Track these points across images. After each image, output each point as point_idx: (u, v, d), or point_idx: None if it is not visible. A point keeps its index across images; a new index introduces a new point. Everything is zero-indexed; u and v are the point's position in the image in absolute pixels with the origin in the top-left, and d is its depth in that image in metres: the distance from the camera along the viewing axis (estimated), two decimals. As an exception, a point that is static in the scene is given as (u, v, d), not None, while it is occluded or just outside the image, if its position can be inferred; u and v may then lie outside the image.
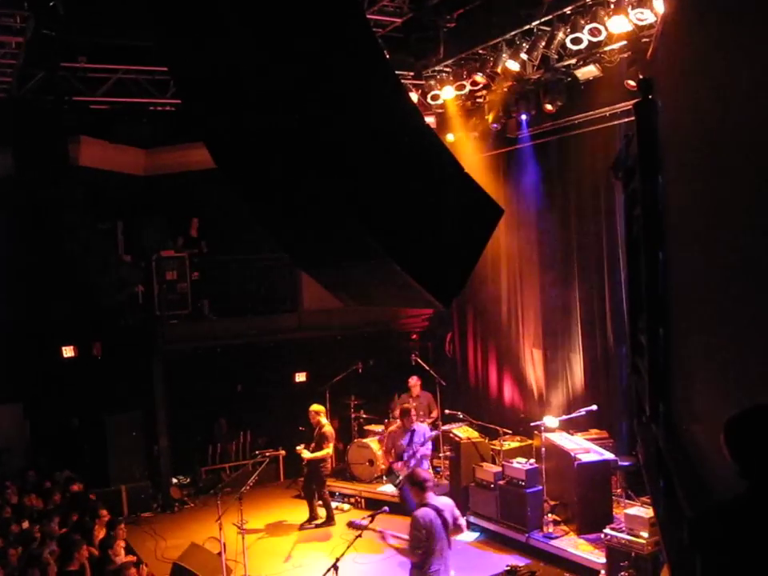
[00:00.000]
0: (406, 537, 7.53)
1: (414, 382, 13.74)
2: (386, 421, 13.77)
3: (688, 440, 4.74)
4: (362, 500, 13.16)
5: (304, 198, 4.95)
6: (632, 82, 9.97)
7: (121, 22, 10.62)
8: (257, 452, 13.59)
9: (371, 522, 7.74)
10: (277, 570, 10.76)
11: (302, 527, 12.45)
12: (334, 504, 13.03)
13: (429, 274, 4.68)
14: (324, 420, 12.60)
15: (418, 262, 4.61)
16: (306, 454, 12.28)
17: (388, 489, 12.61)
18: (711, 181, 3.70)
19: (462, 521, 7.87)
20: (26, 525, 10.14)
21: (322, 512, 12.57)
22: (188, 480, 14.74)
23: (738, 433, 2.81)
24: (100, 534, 9.93)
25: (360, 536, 7.58)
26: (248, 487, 10.87)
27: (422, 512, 7.48)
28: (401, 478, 11.42)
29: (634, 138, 5.61)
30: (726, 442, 2.81)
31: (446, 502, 7.83)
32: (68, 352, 14.07)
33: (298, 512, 12.83)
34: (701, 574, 2.74)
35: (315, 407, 12.69)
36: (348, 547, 7.61)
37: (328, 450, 12.35)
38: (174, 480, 14.45)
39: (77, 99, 12.61)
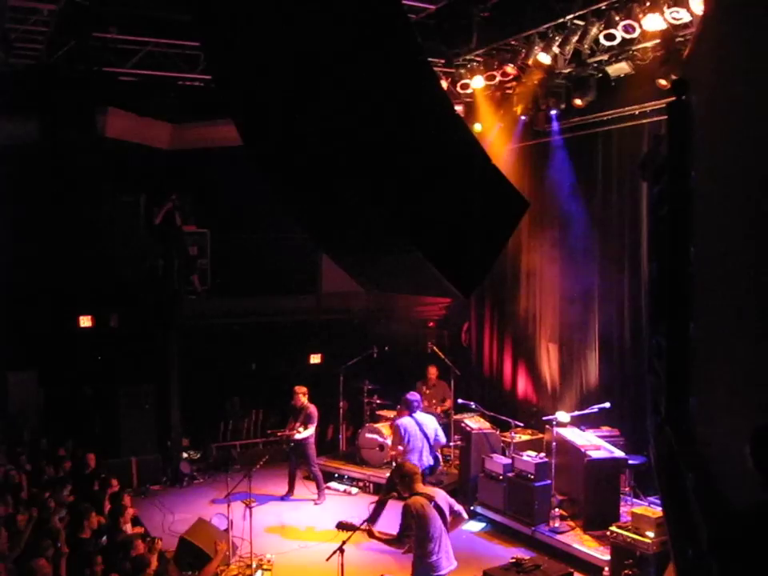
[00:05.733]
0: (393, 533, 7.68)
1: (433, 371, 13.91)
2: (399, 407, 13.74)
3: (702, 443, 4.72)
4: (371, 484, 13.18)
5: (330, 184, 4.94)
6: (664, 82, 9.90)
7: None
8: (268, 431, 13.68)
9: (372, 514, 7.83)
10: (282, 548, 10.80)
11: (283, 499, 12.78)
12: (341, 487, 13.17)
13: (451, 264, 4.67)
14: (307, 401, 12.87)
15: (441, 250, 4.60)
16: (301, 434, 12.57)
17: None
18: (748, 186, 3.66)
19: (459, 507, 7.96)
20: (36, 491, 10.21)
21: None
22: (198, 455, 14.81)
23: (766, 444, 2.79)
24: (109, 503, 10.02)
25: (351, 536, 7.63)
26: (258, 465, 10.96)
27: (413, 500, 7.57)
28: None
29: (665, 138, 5.56)
30: (751, 451, 2.79)
31: (436, 490, 7.95)
32: (85, 322, 14.16)
33: (306, 492, 12.90)
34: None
35: (301, 388, 12.90)
36: (350, 536, 7.65)
37: (312, 430, 12.67)
38: (185, 455, 14.53)
39: (106, 70, 12.62)
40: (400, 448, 11.14)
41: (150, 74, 13.00)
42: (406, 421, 11.23)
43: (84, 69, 12.43)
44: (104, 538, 8.84)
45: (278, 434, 12.97)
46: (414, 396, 11.83)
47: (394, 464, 12.65)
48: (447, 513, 7.70)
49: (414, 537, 7.55)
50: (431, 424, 11.47)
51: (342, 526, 7.74)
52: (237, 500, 10.49)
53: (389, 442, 13.21)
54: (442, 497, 7.79)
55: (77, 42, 11.94)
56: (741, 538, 2.73)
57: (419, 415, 11.47)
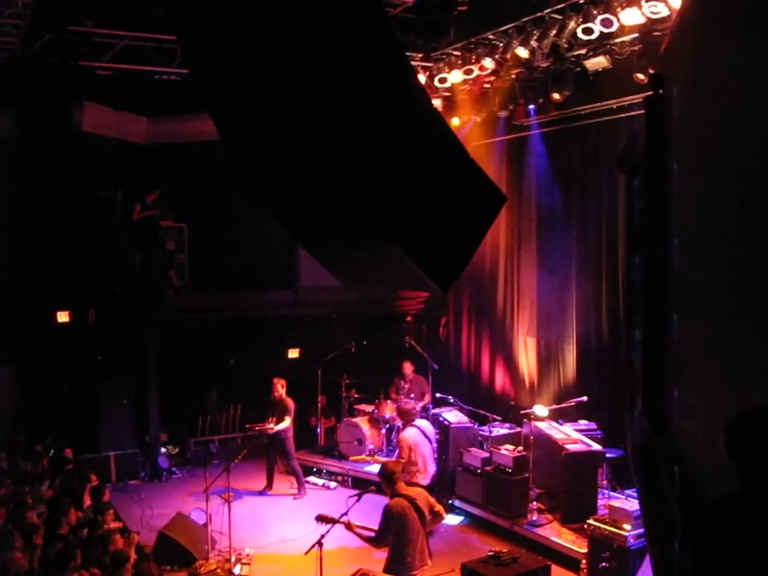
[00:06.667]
0: (373, 527, 7.62)
1: (407, 366, 13.93)
2: (377, 401, 13.80)
3: (679, 436, 4.76)
4: (349, 478, 13.20)
5: (307, 177, 4.93)
6: (641, 76, 9.94)
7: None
8: (247, 425, 13.67)
9: (357, 500, 7.80)
10: (261, 542, 10.78)
11: (261, 494, 12.81)
12: (320, 481, 13.19)
13: (429, 258, 4.67)
14: (285, 394, 12.88)
15: (419, 245, 4.60)
16: (275, 427, 12.56)
17: (375, 468, 12.66)
18: (725, 178, 3.69)
19: (440, 508, 7.92)
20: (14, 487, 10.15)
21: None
22: (177, 450, 14.79)
23: (738, 433, 2.82)
24: (88, 499, 9.97)
25: (330, 530, 7.59)
26: (236, 460, 10.94)
27: (395, 502, 7.55)
28: None
29: (642, 132, 5.60)
30: (725, 441, 2.82)
31: (417, 491, 7.91)
32: (62, 317, 14.04)
33: (284, 486, 12.90)
34: (693, 569, 2.76)
35: (280, 380, 12.92)
36: (329, 530, 7.63)
37: (288, 423, 12.64)
38: (163, 449, 14.49)
39: (82, 63, 12.51)
40: (402, 459, 11.12)
41: (127, 68, 12.90)
42: (412, 433, 11.14)
43: (60, 63, 12.31)
44: (84, 532, 8.79)
45: (256, 428, 12.97)
46: (408, 404, 11.85)
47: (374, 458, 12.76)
48: (426, 513, 7.68)
49: (392, 537, 7.54)
50: (430, 427, 11.53)
51: (321, 518, 7.74)
52: (215, 494, 10.47)
53: (367, 434, 13.28)
54: (422, 498, 7.75)
55: (52, 36, 11.82)
56: (715, 527, 2.77)
57: (419, 422, 11.48)
